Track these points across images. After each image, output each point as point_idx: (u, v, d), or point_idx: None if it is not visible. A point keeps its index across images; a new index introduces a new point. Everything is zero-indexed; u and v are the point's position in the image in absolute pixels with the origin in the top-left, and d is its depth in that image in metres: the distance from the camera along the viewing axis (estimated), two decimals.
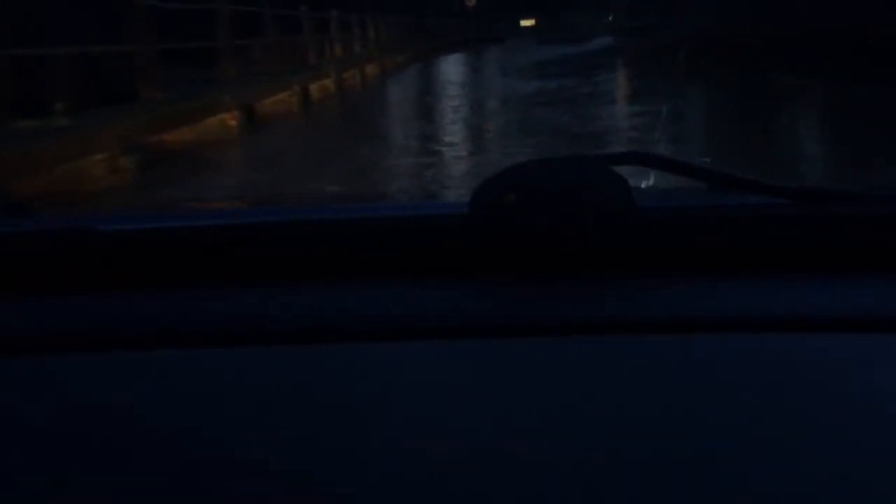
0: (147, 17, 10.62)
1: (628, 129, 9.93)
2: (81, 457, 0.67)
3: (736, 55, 17.42)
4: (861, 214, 0.96)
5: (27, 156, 6.48)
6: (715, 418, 0.69)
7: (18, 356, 0.83)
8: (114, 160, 7.38)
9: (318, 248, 0.98)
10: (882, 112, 10.36)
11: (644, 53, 24.71)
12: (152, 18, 10.83)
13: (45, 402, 0.75)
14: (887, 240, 0.95)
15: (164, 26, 11.28)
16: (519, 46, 36.10)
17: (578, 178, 0.94)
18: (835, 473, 0.62)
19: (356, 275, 0.95)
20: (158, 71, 10.66)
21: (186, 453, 0.67)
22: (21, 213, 1.17)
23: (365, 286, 0.93)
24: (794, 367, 0.76)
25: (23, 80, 8.19)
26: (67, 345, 0.84)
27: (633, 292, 0.90)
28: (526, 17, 69.59)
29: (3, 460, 0.68)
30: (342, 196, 3.39)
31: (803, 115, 11.88)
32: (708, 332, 0.82)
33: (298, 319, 0.87)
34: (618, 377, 0.75)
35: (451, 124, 11.48)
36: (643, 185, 1.28)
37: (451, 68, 25.02)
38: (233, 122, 10.47)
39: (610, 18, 56.87)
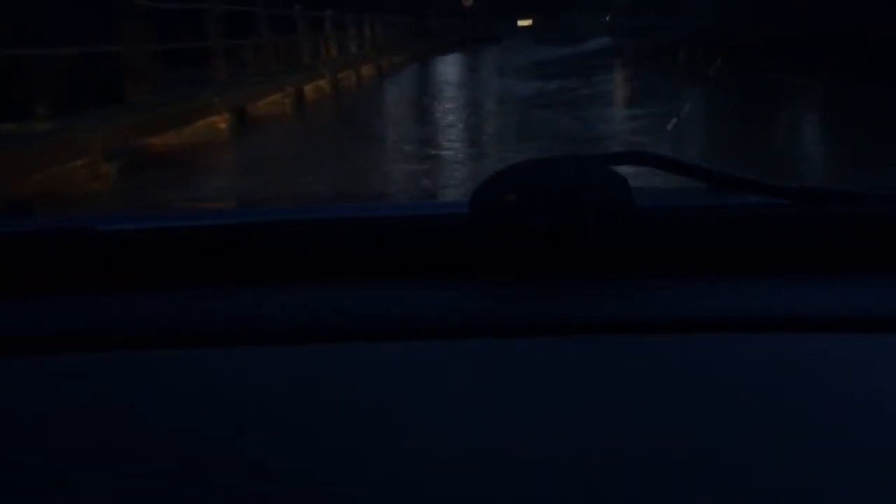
0: (138, 17, 10.40)
1: (629, 133, 9.91)
2: (81, 457, 0.67)
3: (736, 55, 17.43)
4: (861, 214, 0.96)
5: (0, 162, 6.18)
6: (715, 418, 0.69)
7: (18, 356, 0.83)
8: (95, 166, 7.12)
9: (319, 248, 0.98)
10: (882, 112, 10.37)
11: (644, 54, 24.73)
12: (145, 19, 10.63)
13: (45, 402, 0.75)
14: (887, 240, 0.95)
15: (164, 27, 11.21)
16: (517, 47, 36.12)
17: (578, 177, 0.94)
18: (835, 473, 0.62)
19: (357, 275, 0.95)
20: (154, 72, 10.45)
21: (185, 453, 0.67)
22: (21, 213, 1.17)
23: (366, 286, 0.93)
24: (794, 367, 0.76)
25: (1, 81, 7.92)
26: (66, 345, 0.84)
27: (633, 292, 0.90)
28: (524, 17, 69.62)
29: (3, 460, 0.68)
30: (342, 196, 3.39)
31: (803, 115, 11.89)
32: (708, 332, 0.82)
33: (299, 319, 0.87)
34: (618, 377, 0.75)
35: (448, 127, 11.43)
36: (643, 186, 1.28)
37: (449, 69, 25.01)
38: (223, 125, 10.24)
39: (607, 18, 56.91)
